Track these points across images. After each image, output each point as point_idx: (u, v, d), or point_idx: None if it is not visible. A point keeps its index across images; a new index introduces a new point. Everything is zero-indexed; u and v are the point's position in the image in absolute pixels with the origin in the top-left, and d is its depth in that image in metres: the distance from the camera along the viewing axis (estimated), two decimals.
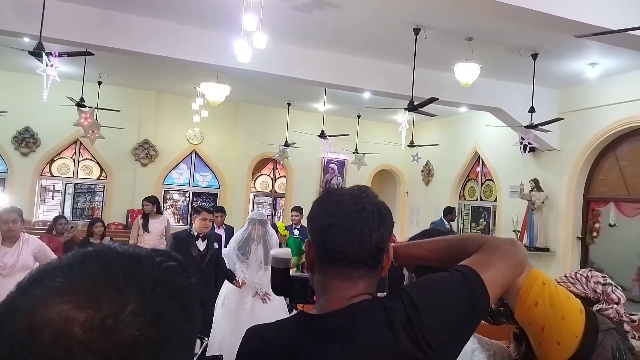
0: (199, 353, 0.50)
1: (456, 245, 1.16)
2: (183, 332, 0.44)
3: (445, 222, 8.76)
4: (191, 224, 11.70)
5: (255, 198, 12.56)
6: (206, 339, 0.55)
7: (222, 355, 1.64)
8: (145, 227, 6.15)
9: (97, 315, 0.38)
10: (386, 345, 0.94)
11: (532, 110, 6.69)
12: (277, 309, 4.80)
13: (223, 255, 4.80)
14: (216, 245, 4.62)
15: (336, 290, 1.00)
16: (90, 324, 0.38)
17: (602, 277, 1.47)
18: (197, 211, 4.72)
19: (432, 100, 5.73)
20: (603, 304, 1.40)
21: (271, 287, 1.26)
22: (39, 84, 5.20)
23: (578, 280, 1.47)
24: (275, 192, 12.79)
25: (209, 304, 4.53)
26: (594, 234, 7.63)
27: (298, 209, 7.13)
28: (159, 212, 6.43)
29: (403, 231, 11.91)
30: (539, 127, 6.65)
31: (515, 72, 6.97)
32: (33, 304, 0.38)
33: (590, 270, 1.50)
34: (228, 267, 4.70)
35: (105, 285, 0.40)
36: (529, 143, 6.92)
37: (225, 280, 4.86)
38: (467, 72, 6.03)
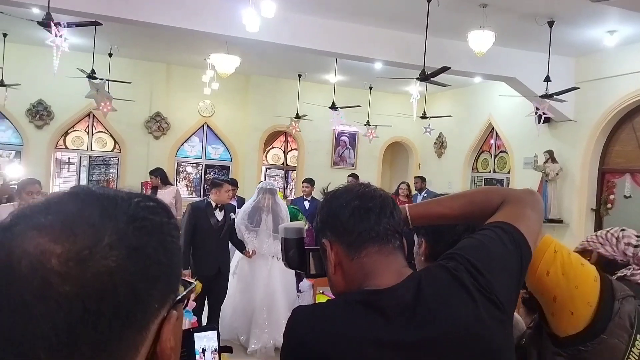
0: (185, 295, 0.50)
1: (478, 200, 1.11)
2: (161, 268, 0.44)
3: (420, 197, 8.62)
4: (205, 195, 11.71)
5: (267, 171, 12.60)
6: (193, 283, 0.55)
7: (216, 326, 1.68)
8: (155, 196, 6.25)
9: (73, 247, 0.39)
10: (467, 306, 0.88)
11: (547, 79, 6.54)
12: (289, 278, 4.84)
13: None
14: (232, 216, 4.69)
15: (381, 267, 0.95)
16: (66, 256, 0.39)
17: (637, 237, 1.36)
18: (219, 184, 4.64)
19: (445, 69, 5.62)
20: (631, 268, 1.30)
21: (283, 261, 1.18)
22: (50, 56, 5.21)
23: (608, 241, 1.38)
24: (287, 165, 12.80)
25: (225, 273, 4.60)
26: (609, 205, 7.53)
27: (309, 181, 7.11)
28: (167, 183, 6.49)
29: None
30: (555, 96, 6.50)
31: (531, 40, 6.79)
32: (12, 238, 0.40)
33: (622, 230, 1.40)
34: (239, 237, 4.76)
35: (80, 220, 0.41)
36: (543, 113, 6.79)
37: (237, 250, 4.90)
38: (481, 40, 5.88)
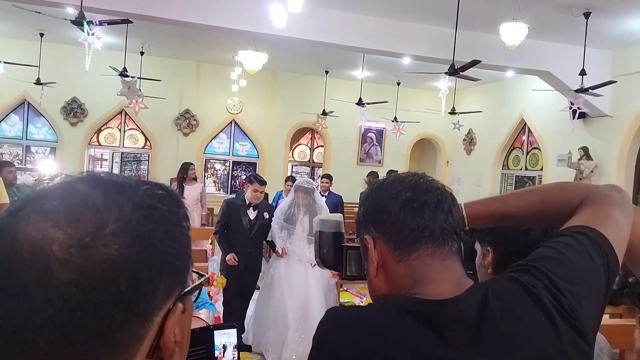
0: (195, 287, 0.48)
1: (552, 198, 0.93)
2: (167, 258, 0.42)
3: None
4: (232, 191, 11.82)
5: (294, 168, 12.64)
6: (206, 274, 0.53)
7: (236, 323, 1.67)
8: (180, 193, 6.32)
9: (75, 233, 0.38)
10: (545, 332, 0.73)
11: (582, 73, 6.32)
12: (326, 285, 4.50)
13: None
14: (266, 215, 4.47)
15: (435, 273, 0.80)
16: (68, 242, 0.38)
17: None
18: (250, 181, 4.55)
19: (475, 63, 5.49)
20: None
21: (317, 258, 1.04)
22: (84, 55, 5.34)
23: None
24: (313, 161, 12.81)
25: (252, 270, 4.49)
26: None
27: (328, 177, 7.13)
28: (194, 179, 6.58)
29: None
30: (590, 91, 6.28)
31: (566, 32, 6.57)
32: (16, 223, 0.39)
33: None
34: (270, 237, 4.53)
35: (84, 206, 0.40)
36: (578, 108, 6.56)
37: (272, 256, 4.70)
38: (513, 32, 5.72)
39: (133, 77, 7.73)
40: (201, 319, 1.84)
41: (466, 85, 10.51)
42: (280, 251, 4.36)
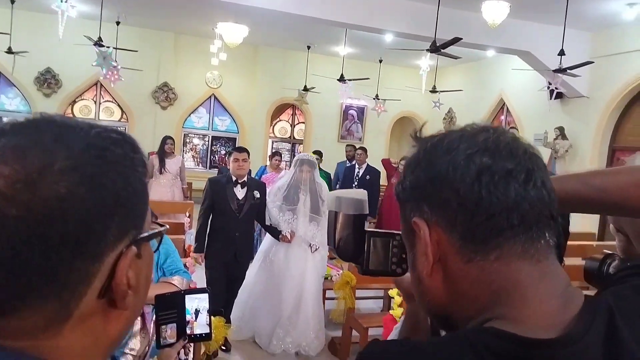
0: (152, 235, 0.48)
1: None
2: (118, 200, 0.42)
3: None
4: (212, 166, 11.70)
5: (274, 144, 12.57)
6: (166, 225, 0.52)
7: (208, 288, 1.67)
8: (162, 166, 6.25)
9: (22, 170, 0.38)
10: None
11: (561, 53, 6.37)
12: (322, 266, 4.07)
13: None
14: (257, 194, 3.83)
15: (531, 284, 0.53)
16: (14, 178, 0.38)
17: None
18: (229, 153, 4.12)
19: (456, 40, 5.49)
20: None
21: (331, 245, 0.81)
22: (57, 23, 5.15)
23: None
24: (294, 138, 12.76)
25: (242, 261, 3.87)
26: None
27: (318, 153, 7.08)
28: (172, 152, 6.52)
29: None
30: (568, 71, 6.36)
31: (546, 12, 6.60)
32: None
33: None
34: (268, 223, 3.94)
35: (33, 143, 0.40)
36: (556, 88, 6.65)
37: (267, 236, 4.12)
38: (495, 11, 5.74)
39: (108, 47, 7.50)
40: (174, 284, 1.85)
41: (447, 64, 10.53)
42: (288, 235, 3.84)
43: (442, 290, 0.57)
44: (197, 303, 1.65)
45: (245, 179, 3.82)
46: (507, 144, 0.57)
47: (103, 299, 0.42)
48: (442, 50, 5.62)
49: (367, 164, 6.74)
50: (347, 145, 7.67)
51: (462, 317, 0.56)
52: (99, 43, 7.39)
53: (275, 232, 3.91)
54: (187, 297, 1.62)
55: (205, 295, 1.65)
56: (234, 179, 3.81)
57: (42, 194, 0.38)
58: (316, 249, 3.93)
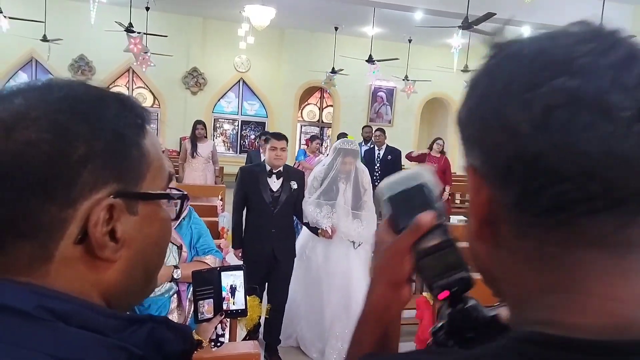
0: (155, 198, 0.49)
1: None
2: (91, 150, 0.43)
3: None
4: (242, 151, 11.75)
5: (303, 128, 12.57)
6: (183, 191, 0.53)
7: (244, 265, 1.71)
8: (194, 150, 6.34)
9: (6, 118, 0.42)
10: None
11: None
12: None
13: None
14: (294, 185, 3.37)
15: (603, 283, 0.37)
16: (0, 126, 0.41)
17: None
18: (265, 139, 3.55)
19: (489, 16, 5.33)
20: None
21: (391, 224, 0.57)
22: (89, 10, 5.25)
23: None
24: (323, 122, 12.72)
25: (283, 260, 3.36)
26: None
27: (344, 136, 7.03)
28: (204, 137, 6.59)
29: (453, 163, 11.61)
30: None
31: None
32: None
33: None
34: (306, 220, 3.46)
35: (22, 97, 0.43)
36: None
37: (304, 230, 3.65)
38: None
39: (139, 32, 7.61)
40: (207, 263, 1.89)
41: (479, 43, 10.23)
42: (329, 231, 3.38)
43: (489, 259, 0.43)
44: (232, 280, 1.69)
45: (281, 168, 3.35)
46: (619, 63, 0.36)
47: (82, 244, 0.43)
48: (474, 27, 5.46)
49: (387, 144, 6.58)
50: (363, 127, 7.48)
51: (510, 303, 0.44)
52: (129, 29, 7.50)
53: (315, 229, 3.45)
54: (223, 274, 1.66)
55: (241, 273, 1.68)
56: (268, 168, 3.33)
57: (15, 138, 0.41)
58: (359, 245, 3.46)
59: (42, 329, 0.40)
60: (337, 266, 3.43)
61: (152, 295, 1.91)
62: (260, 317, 3.03)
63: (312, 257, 3.51)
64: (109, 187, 0.44)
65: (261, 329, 3.49)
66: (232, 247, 3.42)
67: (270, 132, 3.62)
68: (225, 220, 4.68)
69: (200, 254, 2.07)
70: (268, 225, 3.27)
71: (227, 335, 2.70)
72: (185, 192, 0.53)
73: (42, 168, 0.41)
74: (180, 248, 1.94)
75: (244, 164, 6.25)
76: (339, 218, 3.40)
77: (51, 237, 0.42)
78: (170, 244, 1.92)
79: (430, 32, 9.23)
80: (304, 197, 3.49)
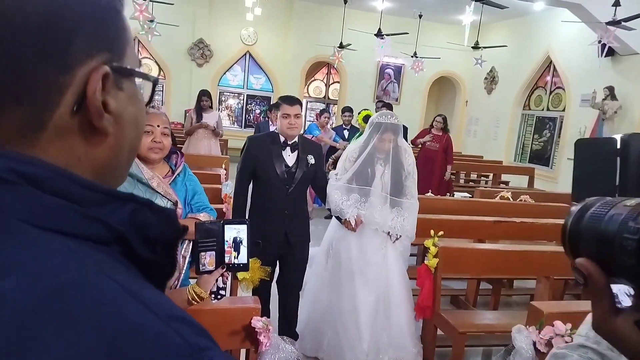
0: (137, 75, 0.49)
1: None
2: (83, 15, 0.43)
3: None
4: (247, 125, 11.64)
5: (309, 104, 12.46)
6: (153, 75, 0.53)
7: (247, 220, 1.68)
8: (199, 121, 6.30)
9: None
10: None
11: (616, 4, 5.95)
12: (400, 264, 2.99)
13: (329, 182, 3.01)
14: (311, 160, 2.88)
15: None
16: None
17: None
18: (276, 106, 2.97)
19: None
20: None
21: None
22: None
23: None
24: (329, 98, 12.60)
25: (298, 245, 2.90)
26: None
27: (350, 109, 6.96)
28: (210, 107, 6.53)
29: (459, 142, 11.52)
30: (623, 23, 5.94)
31: None
32: None
33: None
34: (328, 206, 2.98)
35: None
36: (609, 42, 6.24)
37: (332, 220, 3.10)
38: None
39: (144, 0, 7.49)
40: (200, 220, 1.87)
41: (491, 20, 10.06)
42: (354, 222, 2.85)
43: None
44: (235, 233, 1.67)
45: (296, 139, 2.85)
46: None
47: (77, 114, 0.43)
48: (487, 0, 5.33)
49: (352, 124, 6.50)
50: (343, 110, 7.15)
51: None
52: None
53: (338, 218, 2.96)
54: (226, 227, 1.64)
55: (244, 227, 1.66)
56: (282, 139, 2.83)
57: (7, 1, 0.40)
58: (397, 238, 2.89)
59: (11, 193, 0.38)
60: (373, 264, 2.88)
61: None
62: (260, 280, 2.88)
63: (341, 249, 2.94)
64: (102, 55, 0.44)
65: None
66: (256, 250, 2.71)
67: (282, 97, 2.97)
68: (228, 188, 4.68)
69: (195, 211, 2.05)
70: (281, 206, 2.80)
71: (228, 290, 2.70)
72: (157, 77, 0.53)
73: (37, 28, 0.40)
74: (175, 204, 1.91)
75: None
76: (373, 206, 2.83)
77: (46, 104, 0.41)
78: (165, 200, 1.90)
79: (441, 7, 9.05)
80: (323, 174, 3.04)
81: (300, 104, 2.88)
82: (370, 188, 2.85)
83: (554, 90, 9.56)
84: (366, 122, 5.85)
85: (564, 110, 9.06)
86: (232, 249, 1.65)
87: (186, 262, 1.95)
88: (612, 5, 5.96)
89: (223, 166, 5.60)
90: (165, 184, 1.92)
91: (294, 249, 2.88)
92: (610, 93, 7.49)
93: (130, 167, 0.53)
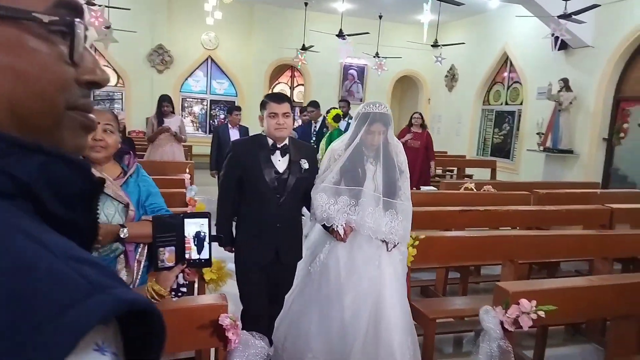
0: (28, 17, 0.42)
1: None
2: None
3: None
4: (211, 132, 11.53)
5: None
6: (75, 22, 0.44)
7: (209, 213, 1.59)
8: (160, 126, 6.15)
9: None
10: None
11: None
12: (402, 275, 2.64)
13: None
14: (305, 164, 2.54)
15: None
16: None
17: None
18: (262, 105, 2.56)
19: None
20: None
21: None
22: None
23: None
24: (294, 100, 12.58)
25: (288, 263, 2.60)
26: (621, 134, 7.35)
27: (314, 104, 6.74)
28: (171, 112, 6.38)
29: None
30: (573, 16, 6.18)
31: None
32: None
33: None
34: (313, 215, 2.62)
35: None
36: (561, 35, 6.46)
37: (317, 227, 2.75)
38: None
39: (100, 5, 7.31)
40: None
41: (449, 19, 10.29)
42: (342, 232, 2.49)
43: None
44: (197, 228, 1.60)
45: (286, 141, 2.52)
46: None
47: None
48: None
49: (324, 116, 6.30)
50: (308, 104, 6.80)
51: None
52: (90, 1, 7.19)
53: (326, 227, 2.58)
54: (187, 222, 1.58)
55: (206, 221, 1.60)
56: (270, 142, 2.50)
57: None
58: (394, 246, 2.55)
59: None
60: (364, 276, 2.50)
61: (95, 255, 1.79)
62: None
63: (330, 263, 2.57)
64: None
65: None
66: (220, 245, 2.55)
67: (268, 94, 2.65)
68: (193, 192, 4.59)
69: (150, 213, 1.92)
70: (272, 218, 2.47)
71: (196, 291, 2.61)
72: (77, 20, 0.43)
73: None
74: (126, 206, 1.82)
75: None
76: (364, 209, 2.48)
77: None
78: (115, 202, 1.82)
79: (400, 7, 9.20)
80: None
81: (290, 101, 2.55)
82: (361, 188, 2.51)
83: (512, 84, 9.85)
84: (336, 122, 5.95)
85: (521, 103, 9.34)
86: (194, 244, 1.60)
87: (141, 266, 1.87)
88: (563, 0, 6.19)
89: (187, 171, 5.50)
90: (115, 186, 1.83)
91: (285, 269, 2.56)
92: (565, 85, 7.77)
93: (41, 134, 0.42)
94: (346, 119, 6.67)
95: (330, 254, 2.58)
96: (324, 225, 2.57)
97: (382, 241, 2.52)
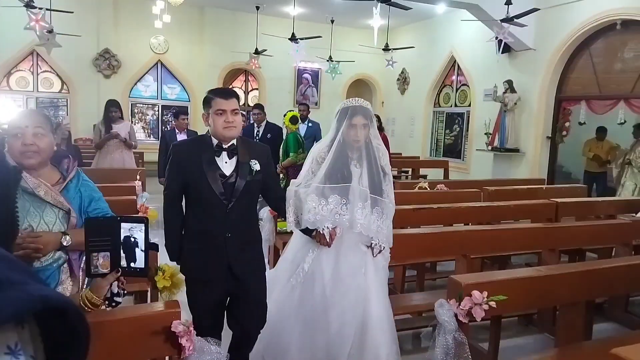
0: None
1: None
2: None
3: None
4: (161, 137, 11.27)
5: None
6: None
7: (146, 218, 1.49)
8: (108, 132, 5.92)
9: None
10: None
11: (508, 2, 6.45)
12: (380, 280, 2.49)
13: (290, 189, 2.46)
14: (255, 166, 2.29)
15: None
16: None
17: None
18: (206, 102, 2.26)
19: None
20: None
21: None
22: None
23: None
24: (249, 105, 12.47)
25: (245, 279, 2.29)
26: (564, 132, 7.73)
27: (259, 107, 6.63)
28: (120, 117, 6.15)
29: None
30: (515, 20, 6.45)
31: None
32: None
33: None
34: (293, 218, 2.42)
35: None
36: (504, 38, 6.73)
37: (295, 233, 2.57)
38: None
39: (41, 8, 6.98)
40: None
41: (399, 24, 10.51)
42: (328, 237, 2.35)
43: None
44: (132, 233, 1.51)
45: (234, 141, 2.28)
46: None
47: None
48: (392, 0, 5.55)
49: (267, 121, 6.29)
50: (253, 107, 6.65)
51: None
52: (30, 4, 6.85)
53: (309, 231, 2.39)
54: (123, 226, 1.48)
55: (142, 226, 1.50)
56: (214, 142, 2.25)
57: None
58: (380, 251, 2.44)
59: None
60: (351, 286, 2.36)
61: (37, 264, 1.69)
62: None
63: (315, 273, 2.40)
64: None
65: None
66: (170, 259, 2.40)
67: (213, 89, 2.36)
68: (144, 199, 4.44)
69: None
70: (220, 228, 2.22)
71: (149, 298, 2.48)
72: None
73: None
74: (68, 213, 1.72)
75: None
76: (354, 204, 2.33)
77: None
78: (56, 209, 1.72)
79: (351, 11, 9.30)
80: (275, 182, 2.52)
81: (238, 97, 2.30)
82: (349, 185, 2.35)
83: (460, 87, 10.17)
84: (293, 123, 5.90)
85: (470, 105, 9.66)
86: (122, 251, 1.47)
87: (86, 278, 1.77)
88: (505, 4, 6.44)
89: (138, 177, 5.32)
90: (54, 192, 1.72)
91: (243, 284, 2.28)
92: (510, 86, 8.10)
93: None
94: (306, 122, 6.66)
95: (314, 263, 2.42)
96: (304, 231, 2.40)
97: (368, 247, 2.42)
